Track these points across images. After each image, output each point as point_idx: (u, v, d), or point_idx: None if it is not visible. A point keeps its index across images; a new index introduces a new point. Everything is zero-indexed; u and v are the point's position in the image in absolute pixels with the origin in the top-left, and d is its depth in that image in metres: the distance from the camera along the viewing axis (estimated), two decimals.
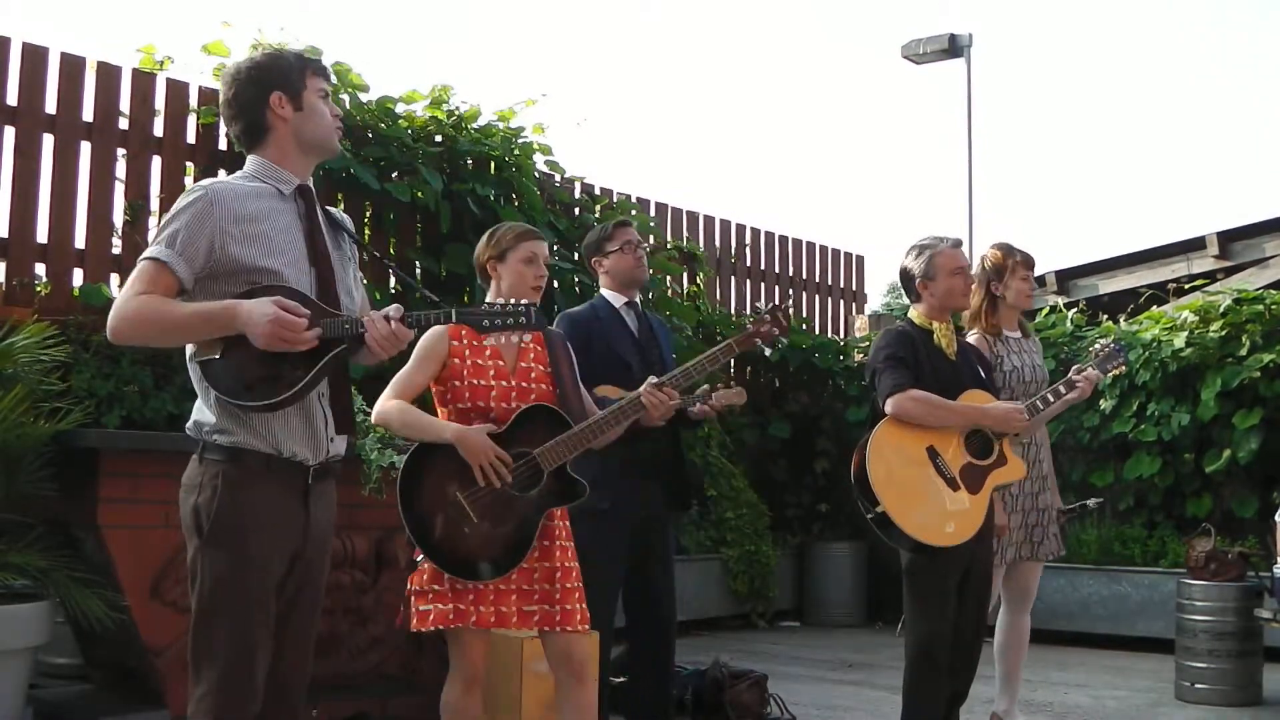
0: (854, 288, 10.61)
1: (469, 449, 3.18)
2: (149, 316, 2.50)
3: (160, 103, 6.09)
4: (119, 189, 5.91)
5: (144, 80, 6.05)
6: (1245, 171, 50.07)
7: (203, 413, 2.61)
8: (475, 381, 3.32)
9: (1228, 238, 8.96)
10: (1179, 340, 7.43)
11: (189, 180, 6.05)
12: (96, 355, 5.24)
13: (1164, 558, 7.34)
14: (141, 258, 2.56)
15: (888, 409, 3.85)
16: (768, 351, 4.04)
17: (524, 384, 3.37)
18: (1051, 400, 4.09)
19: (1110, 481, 7.78)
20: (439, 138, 6.89)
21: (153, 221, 5.89)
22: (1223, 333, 7.39)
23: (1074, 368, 4.21)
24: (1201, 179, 52.81)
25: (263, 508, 2.57)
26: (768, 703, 5.21)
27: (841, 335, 10.08)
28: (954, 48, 11.39)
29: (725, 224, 9.45)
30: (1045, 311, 8.41)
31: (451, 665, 3.29)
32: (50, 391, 4.42)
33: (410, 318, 2.58)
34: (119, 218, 5.88)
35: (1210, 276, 8.81)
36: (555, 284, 7.03)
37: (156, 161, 6.04)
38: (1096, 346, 4.31)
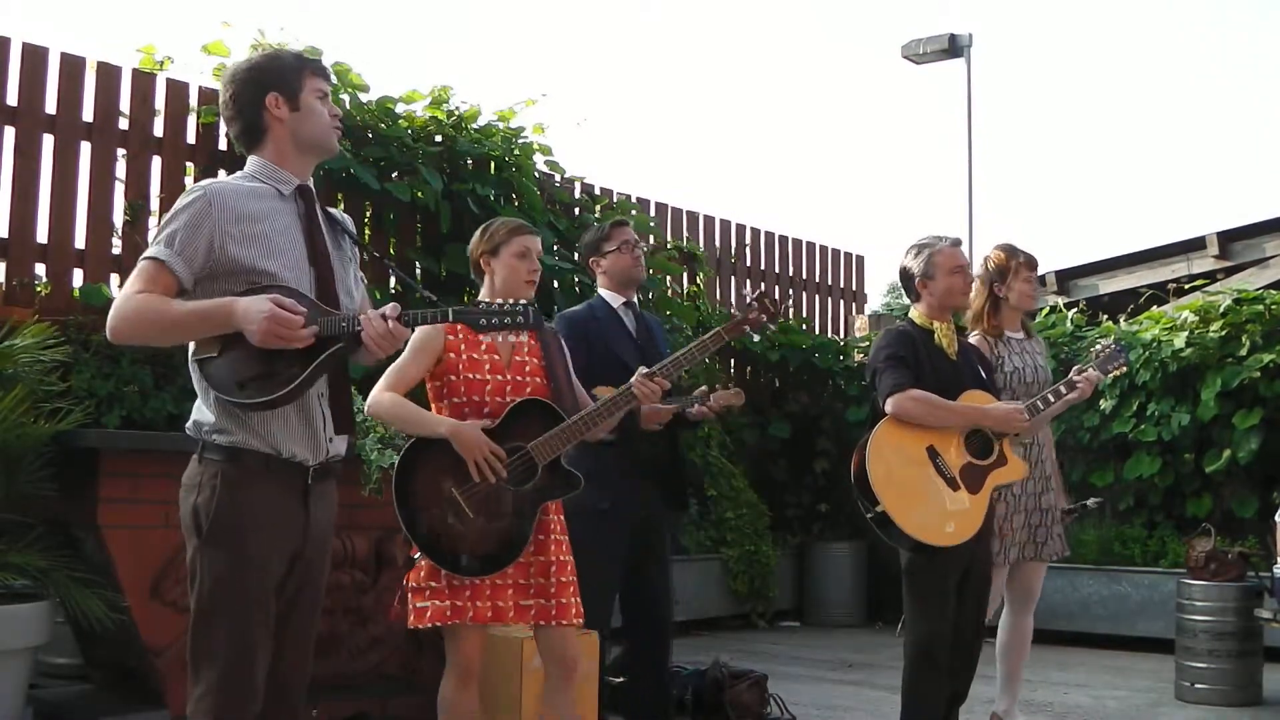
0: (854, 288, 10.61)
1: (463, 444, 3.19)
2: (147, 315, 2.50)
3: (160, 103, 6.09)
4: (119, 189, 5.91)
5: (144, 80, 6.05)
6: (1245, 171, 50.10)
7: (202, 412, 2.61)
8: (471, 376, 3.33)
9: (1228, 238, 8.96)
10: (1179, 340, 7.43)
11: (189, 180, 6.05)
12: (96, 355, 5.24)
13: (1164, 558, 7.34)
14: (141, 258, 2.57)
15: (888, 408, 3.84)
16: (756, 338, 4.05)
17: (519, 378, 3.38)
18: (1052, 400, 4.09)
19: (1110, 481, 7.78)
20: (439, 138, 6.89)
21: (153, 221, 5.89)
22: (1223, 333, 7.39)
23: (1074, 368, 4.21)
24: (1201, 179, 52.85)
25: (262, 508, 2.57)
26: (768, 703, 5.21)
27: (841, 335, 10.08)
28: (954, 48, 11.39)
29: (725, 224, 9.45)
30: (1045, 311, 8.41)
31: (447, 661, 3.30)
32: (50, 391, 4.42)
33: (407, 316, 2.58)
34: (119, 218, 5.88)
35: (1210, 276, 8.81)
36: (555, 284, 7.03)
37: (156, 161, 6.04)
38: (1097, 347, 4.31)
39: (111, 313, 2.53)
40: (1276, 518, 5.66)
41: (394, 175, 6.66)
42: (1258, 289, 7.79)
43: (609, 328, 4.30)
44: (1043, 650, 6.61)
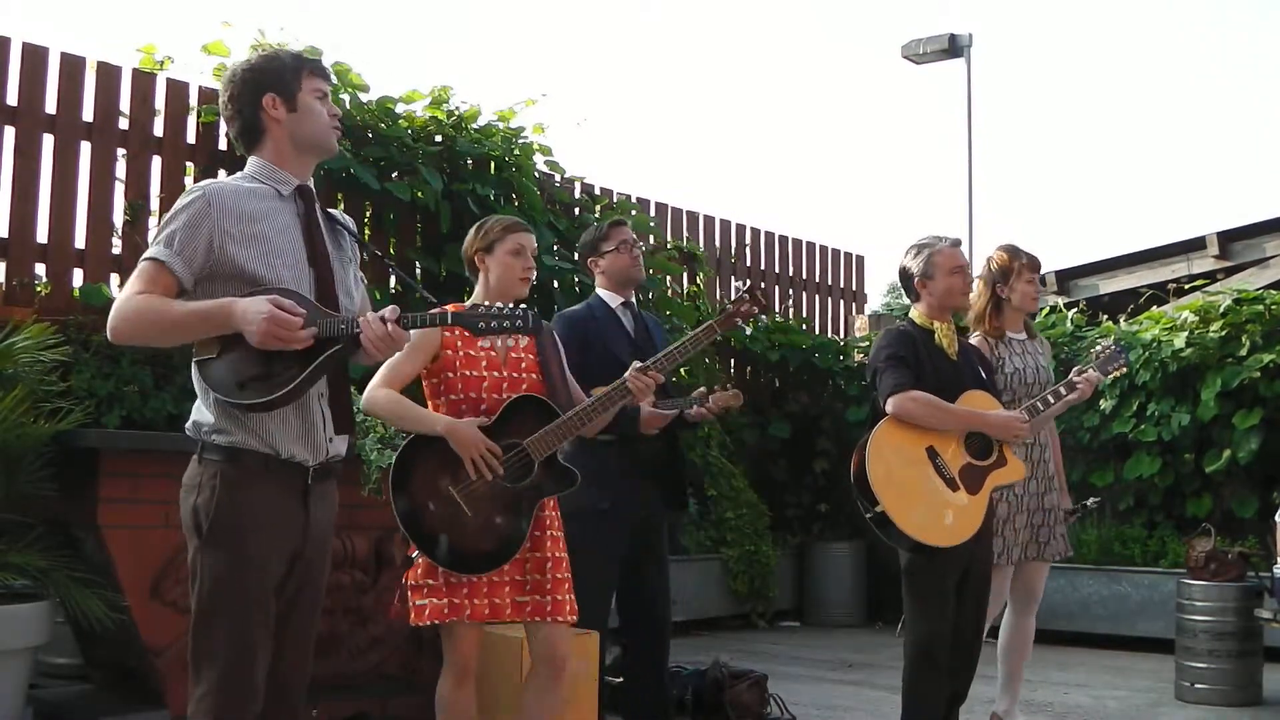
0: (854, 288, 10.61)
1: (460, 442, 3.19)
2: (147, 316, 2.51)
3: (160, 103, 6.09)
4: (119, 189, 5.91)
5: (144, 80, 6.05)
6: (1245, 171, 50.08)
7: (201, 413, 2.62)
8: (468, 373, 3.33)
9: (1228, 238, 8.96)
10: (1179, 340, 7.43)
11: (189, 180, 6.05)
12: (96, 355, 5.24)
13: (1164, 558, 7.34)
14: (141, 258, 2.57)
15: (888, 408, 3.84)
16: (749, 331, 4.06)
17: (514, 375, 3.39)
18: (1052, 402, 4.09)
19: (1110, 481, 7.78)
20: (439, 138, 6.89)
21: (153, 221, 5.89)
22: (1223, 333, 7.39)
23: (1074, 369, 4.22)
24: (1201, 179, 52.83)
25: (261, 508, 2.57)
26: (768, 703, 5.21)
27: (841, 335, 10.08)
28: (954, 48, 11.39)
29: (725, 224, 9.45)
30: (1045, 311, 8.41)
31: (445, 659, 3.30)
32: (50, 391, 4.42)
33: (406, 319, 2.58)
34: (119, 218, 5.88)
35: (1210, 276, 8.81)
36: (555, 284, 7.03)
37: (156, 161, 6.04)
38: (1098, 348, 4.31)
39: (112, 313, 2.53)
40: (1276, 518, 5.66)
41: (394, 175, 6.66)
42: (1258, 289, 7.80)
43: (607, 328, 4.30)
44: (1043, 650, 6.61)
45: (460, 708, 3.29)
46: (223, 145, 6.16)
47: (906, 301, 4.22)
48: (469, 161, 6.89)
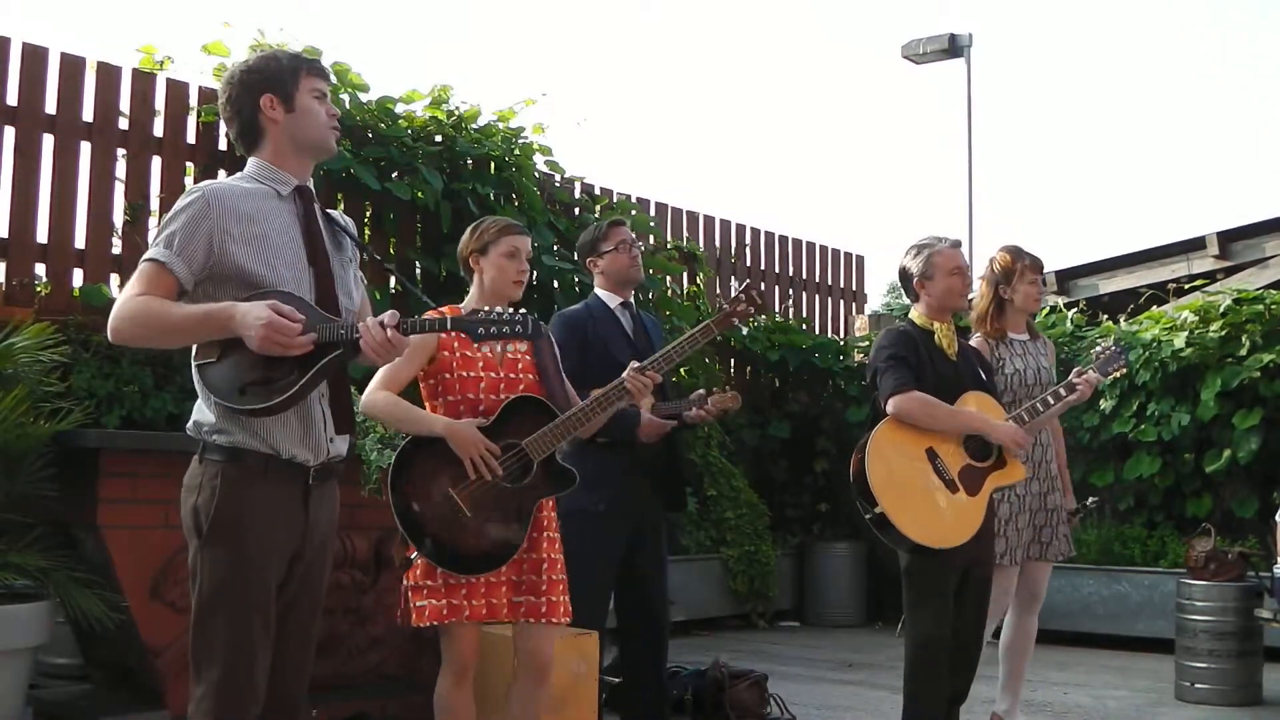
0: (854, 288, 10.61)
1: (459, 442, 3.19)
2: (147, 318, 2.51)
3: (160, 103, 6.10)
4: (119, 189, 5.92)
5: (144, 80, 6.05)
6: (1245, 171, 50.07)
7: (202, 413, 2.62)
8: (465, 374, 3.33)
9: (1228, 238, 8.95)
10: (1179, 340, 7.43)
11: (189, 180, 6.06)
12: (96, 355, 5.25)
13: (1164, 558, 7.34)
14: (142, 259, 2.58)
15: (889, 409, 3.84)
16: (745, 331, 4.07)
17: (512, 375, 3.39)
18: (1051, 403, 4.09)
19: (1110, 481, 7.78)
20: (439, 138, 6.90)
21: (153, 222, 5.90)
22: (1223, 333, 7.39)
23: (1074, 370, 4.21)
24: (1201, 179, 52.81)
25: (262, 508, 2.57)
26: (768, 703, 5.21)
27: (841, 335, 10.08)
28: (954, 48, 11.40)
29: (725, 224, 9.45)
30: (1045, 311, 8.41)
31: (443, 659, 3.31)
32: (50, 391, 4.42)
33: (405, 324, 2.58)
34: (119, 218, 5.89)
35: (1210, 276, 8.80)
36: (555, 284, 7.04)
37: (156, 161, 6.05)
38: (1098, 349, 4.31)
39: (112, 314, 2.54)
40: (1277, 518, 5.67)
41: (394, 175, 6.66)
42: (1258, 289, 7.80)
43: (606, 328, 4.29)
44: (1043, 650, 6.59)
45: (459, 707, 3.29)
46: (223, 145, 6.17)
47: (906, 301, 4.22)
48: (469, 161, 6.89)
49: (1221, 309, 7.47)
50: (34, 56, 5.67)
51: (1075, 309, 8.64)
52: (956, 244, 4.11)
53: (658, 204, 8.78)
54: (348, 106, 6.45)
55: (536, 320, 2.70)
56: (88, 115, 5.82)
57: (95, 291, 5.54)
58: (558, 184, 7.65)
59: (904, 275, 4.12)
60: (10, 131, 5.59)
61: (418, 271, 6.80)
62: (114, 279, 5.80)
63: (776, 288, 9.82)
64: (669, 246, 8.61)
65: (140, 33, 18.30)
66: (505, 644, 3.98)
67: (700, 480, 8.15)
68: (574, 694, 4.03)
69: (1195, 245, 9.12)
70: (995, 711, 4.64)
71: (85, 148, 5.80)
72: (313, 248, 2.68)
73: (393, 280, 6.47)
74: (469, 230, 3.56)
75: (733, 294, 4.21)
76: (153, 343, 2.65)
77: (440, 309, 3.28)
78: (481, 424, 3.24)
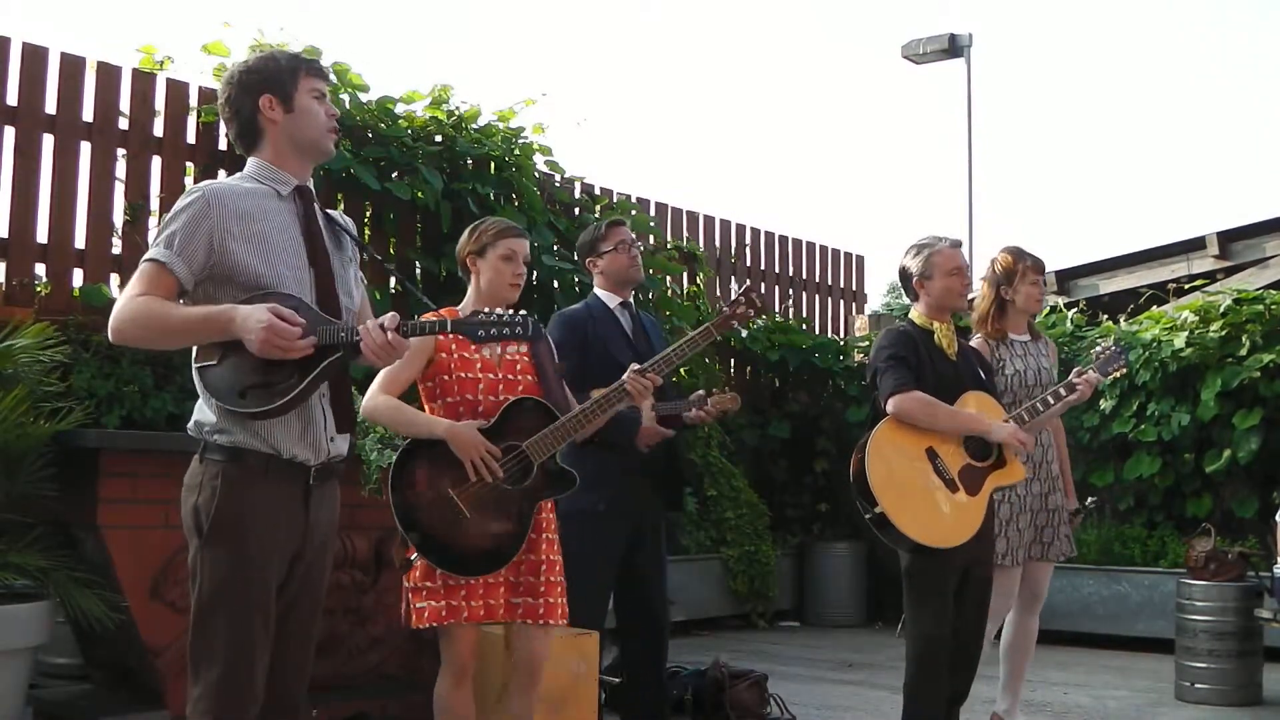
0: (854, 288, 10.61)
1: (460, 444, 3.19)
2: (148, 319, 2.51)
3: (160, 103, 6.10)
4: (119, 189, 5.92)
5: (144, 80, 6.05)
6: (1245, 171, 50.07)
7: (204, 412, 2.62)
8: (463, 375, 3.33)
9: (1228, 238, 8.95)
10: (1179, 340, 7.43)
11: (189, 180, 6.06)
12: (96, 355, 5.24)
13: (1164, 558, 7.34)
14: (142, 260, 2.58)
15: (889, 408, 3.84)
16: (744, 333, 4.07)
17: (510, 376, 3.39)
18: (1051, 403, 4.09)
19: (1110, 481, 7.78)
20: (439, 138, 6.90)
21: (153, 221, 5.90)
22: (1223, 333, 7.39)
23: (1074, 370, 4.21)
24: (1201, 179, 52.82)
25: (263, 508, 2.57)
26: (768, 703, 5.21)
27: (841, 335, 10.08)
28: (954, 48, 11.41)
29: (725, 224, 9.45)
30: (1045, 311, 8.40)
31: (442, 660, 3.31)
32: (50, 391, 4.42)
33: (406, 327, 2.58)
34: (119, 218, 5.89)
35: (1210, 276, 8.80)
36: (555, 284, 7.04)
37: (156, 161, 6.05)
38: (1098, 349, 4.31)
39: (113, 315, 2.54)
40: (1277, 518, 5.67)
41: (394, 175, 6.66)
42: (1258, 289, 7.79)
43: (605, 328, 4.29)
44: (1043, 650, 6.59)
45: (459, 708, 3.29)
46: (223, 145, 6.17)
47: (906, 301, 4.22)
48: (469, 161, 6.89)
49: (1221, 309, 7.47)
50: (34, 56, 5.67)
51: (1075, 309, 8.64)
52: (956, 244, 4.10)
53: (658, 204, 8.78)
54: (348, 106, 6.45)
55: (536, 321, 2.70)
56: (88, 115, 5.82)
57: (95, 291, 5.54)
58: (558, 184, 7.65)
59: (903, 275, 4.12)
60: (10, 131, 5.58)
61: (418, 272, 6.80)
62: (114, 279, 5.80)
63: (776, 288, 9.81)
64: (669, 246, 8.61)
65: (140, 33, 18.31)
66: (499, 644, 3.98)
67: (700, 480, 8.15)
68: (574, 694, 4.03)
69: (1195, 245, 9.12)
70: (995, 711, 4.64)
71: (85, 148, 5.80)
72: (313, 247, 2.69)
73: (393, 280, 6.47)
74: (467, 231, 3.56)
75: (733, 294, 4.21)
76: (153, 344, 2.65)
77: (439, 311, 3.29)
78: (482, 426, 3.25)
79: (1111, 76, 56.45)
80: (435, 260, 6.66)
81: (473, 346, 3.36)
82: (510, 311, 2.69)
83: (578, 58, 58.47)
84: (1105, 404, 7.71)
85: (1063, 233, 48.62)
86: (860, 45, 61.94)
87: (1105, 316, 8.35)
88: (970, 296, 4.72)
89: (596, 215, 7.62)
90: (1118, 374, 4.33)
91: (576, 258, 4.68)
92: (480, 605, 3.22)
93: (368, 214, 6.70)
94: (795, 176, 55.14)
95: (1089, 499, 5.28)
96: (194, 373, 2.59)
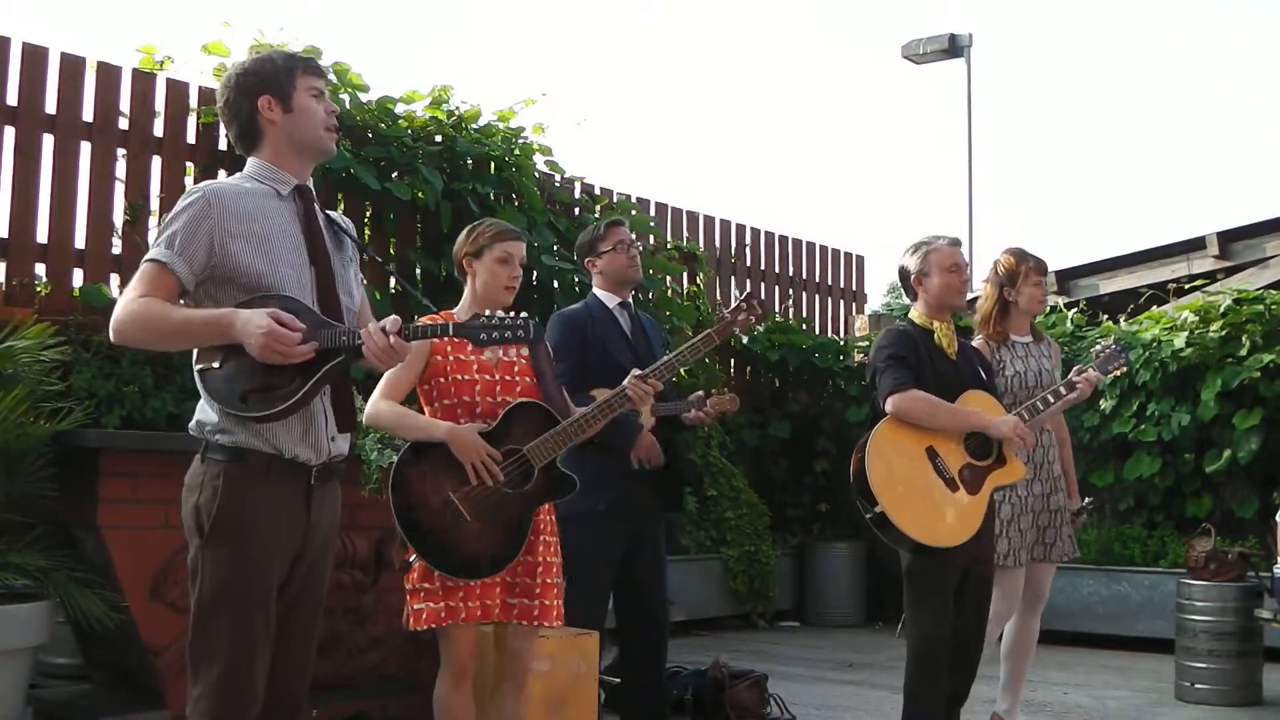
0: (854, 288, 10.61)
1: (461, 447, 3.19)
2: (149, 320, 2.51)
3: (160, 103, 6.10)
4: (119, 189, 5.92)
5: (144, 80, 6.05)
6: (1245, 171, 50.04)
7: (205, 412, 2.62)
8: (460, 377, 3.33)
9: (1228, 238, 8.95)
10: (1179, 340, 7.43)
11: (189, 180, 6.06)
12: (96, 355, 5.25)
13: (1164, 558, 7.35)
14: (143, 260, 2.58)
15: (889, 408, 3.84)
16: (745, 339, 4.08)
17: (507, 378, 3.39)
18: (1052, 401, 4.09)
19: (1110, 481, 7.78)
20: (439, 138, 6.90)
21: (153, 222, 5.90)
22: (1223, 333, 7.39)
23: (1074, 369, 4.21)
24: (1201, 179, 52.77)
25: (264, 508, 2.57)
26: (768, 703, 5.21)
27: (841, 335, 10.08)
28: (954, 48, 11.41)
29: (725, 224, 9.45)
30: (1045, 311, 8.40)
31: (442, 661, 3.31)
32: (50, 391, 4.42)
33: (407, 330, 2.58)
34: (119, 218, 5.89)
35: (1210, 276, 8.80)
36: (555, 284, 7.04)
37: (156, 161, 6.05)
38: (1098, 348, 4.31)
39: (114, 316, 2.54)
40: (1277, 518, 5.66)
41: (394, 175, 6.66)
42: (1258, 289, 7.79)
43: (605, 328, 4.30)
44: (1043, 650, 6.58)
45: (459, 708, 3.29)
46: (223, 145, 6.17)
47: (906, 301, 4.22)
48: (469, 161, 6.90)
49: (1221, 309, 7.47)
50: (34, 56, 5.67)
51: (1075, 309, 8.64)
52: (955, 242, 4.10)
53: (658, 204, 8.79)
54: (348, 106, 6.45)
55: (537, 323, 2.71)
56: (88, 115, 5.82)
57: (95, 291, 5.54)
58: (558, 184, 7.66)
59: (903, 274, 4.12)
60: (10, 131, 5.59)
61: (418, 272, 6.80)
62: (114, 279, 5.80)
63: (776, 288, 9.81)
64: (669, 246, 8.61)
65: (140, 33, 18.32)
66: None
67: (700, 480, 8.15)
68: (574, 694, 4.03)
69: (1195, 245, 9.12)
70: (996, 711, 4.64)
71: (85, 148, 5.80)
72: (313, 247, 2.69)
73: (392, 281, 6.47)
74: (464, 233, 3.56)
75: (733, 295, 4.21)
76: (154, 345, 2.66)
77: (438, 314, 3.29)
78: (483, 429, 3.25)
79: (1111, 76, 56.48)
80: (435, 260, 6.66)
81: (469, 348, 3.36)
82: (510, 313, 2.69)
83: (578, 58, 58.50)
84: (1105, 404, 7.72)
85: (1063, 233, 48.61)
86: (860, 45, 61.96)
87: (1105, 316, 8.36)
88: (971, 297, 4.72)
89: (596, 215, 7.62)
90: (1118, 372, 4.34)
91: (575, 258, 4.68)
92: (477, 605, 3.23)
93: (368, 214, 6.70)
94: (795, 176, 55.15)
95: (1086, 499, 5.28)
96: (195, 375, 2.59)
